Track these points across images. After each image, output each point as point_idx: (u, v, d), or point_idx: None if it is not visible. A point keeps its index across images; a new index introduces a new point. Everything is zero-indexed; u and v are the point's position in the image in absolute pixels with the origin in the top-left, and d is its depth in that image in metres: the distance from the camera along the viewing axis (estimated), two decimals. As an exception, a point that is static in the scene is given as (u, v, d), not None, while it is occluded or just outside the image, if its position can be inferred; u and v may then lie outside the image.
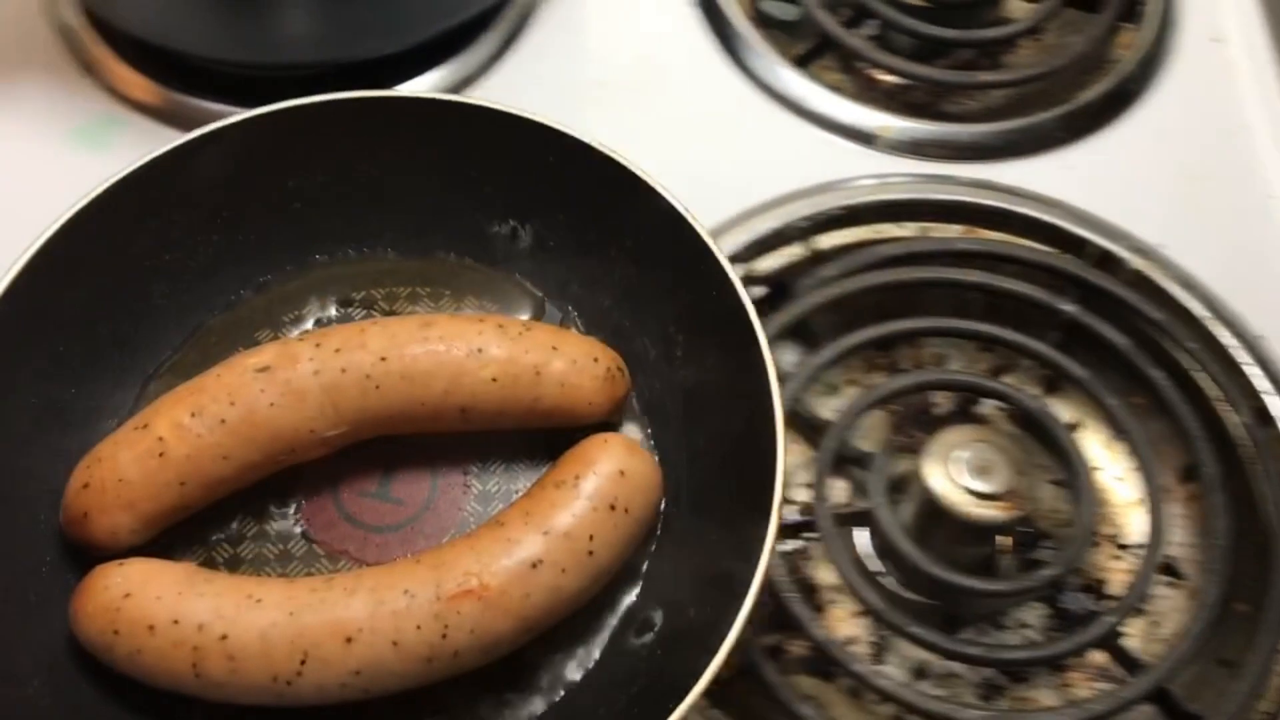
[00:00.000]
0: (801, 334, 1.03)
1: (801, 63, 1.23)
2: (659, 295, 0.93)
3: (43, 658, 0.79)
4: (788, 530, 0.95)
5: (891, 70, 1.22)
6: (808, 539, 0.97)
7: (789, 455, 0.92)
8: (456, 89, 1.16)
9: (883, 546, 0.95)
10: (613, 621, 0.85)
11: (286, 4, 1.03)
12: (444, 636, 0.76)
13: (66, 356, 0.88)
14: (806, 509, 0.96)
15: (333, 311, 0.97)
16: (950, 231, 1.10)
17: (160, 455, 0.81)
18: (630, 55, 1.21)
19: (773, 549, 0.77)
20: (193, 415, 0.82)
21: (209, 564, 0.86)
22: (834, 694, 0.92)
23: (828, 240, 1.09)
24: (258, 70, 1.11)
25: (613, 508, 0.81)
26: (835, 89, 1.20)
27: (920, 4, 1.24)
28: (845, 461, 0.98)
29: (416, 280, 0.99)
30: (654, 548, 0.87)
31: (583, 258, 0.97)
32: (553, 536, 0.79)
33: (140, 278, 0.92)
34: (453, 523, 0.89)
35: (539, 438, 0.91)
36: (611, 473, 0.82)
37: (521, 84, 1.18)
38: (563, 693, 0.83)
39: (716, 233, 1.07)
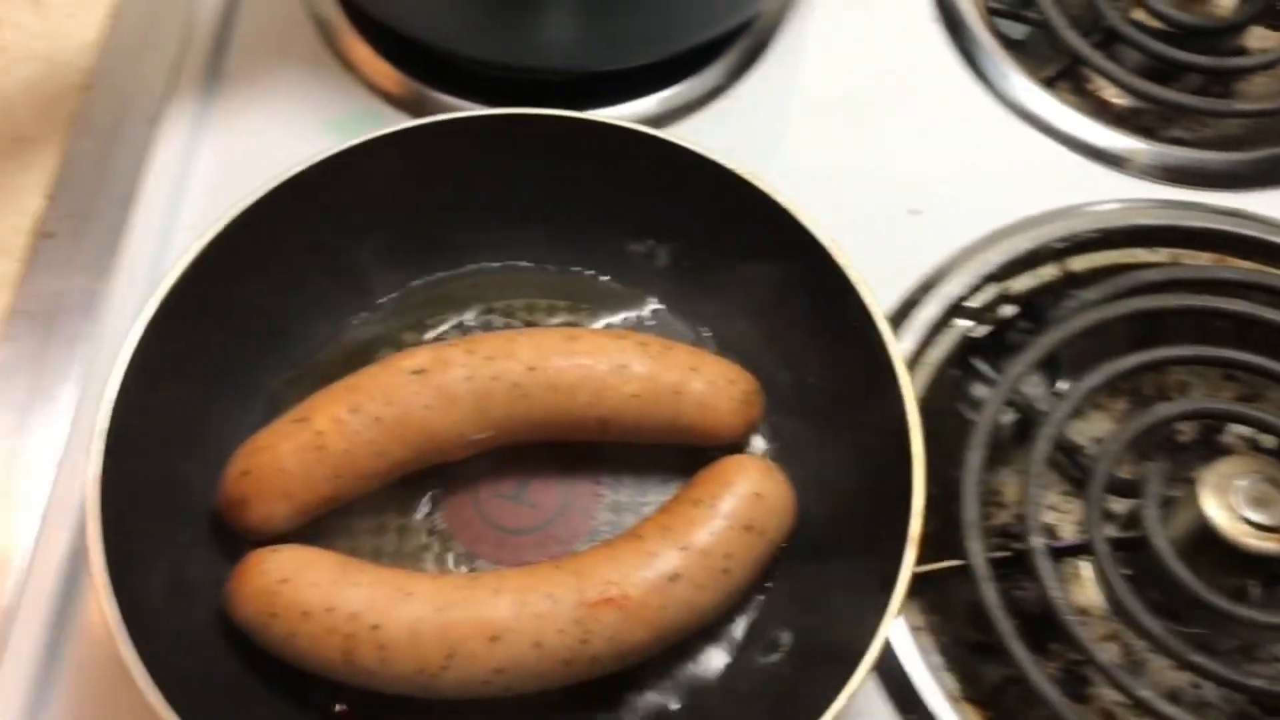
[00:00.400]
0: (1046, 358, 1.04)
1: (1050, 83, 1.23)
2: (796, 322, 0.95)
3: (195, 633, 0.83)
4: (1062, 553, 0.95)
5: (1144, 95, 1.21)
6: (1065, 563, 0.97)
7: (1041, 478, 0.96)
8: (700, 102, 1.18)
9: (1143, 573, 0.94)
10: (738, 636, 0.88)
11: (550, 9, 1.05)
12: (584, 642, 0.79)
13: (227, 342, 0.92)
14: (1052, 532, 0.97)
15: (474, 318, 1.01)
16: (1200, 259, 1.11)
17: (319, 449, 0.85)
18: (874, 70, 1.23)
19: (908, 585, 0.79)
20: (351, 412, 0.86)
21: (353, 553, 0.89)
22: (1088, 716, 0.92)
23: (1080, 263, 1.10)
24: (513, 72, 1.13)
25: (748, 529, 0.84)
26: (1074, 110, 1.20)
27: (1162, 27, 1.24)
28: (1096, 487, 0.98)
29: (555, 294, 1.02)
30: (781, 568, 0.89)
31: (719, 280, 0.99)
32: (691, 553, 0.82)
33: (300, 272, 0.96)
34: (584, 530, 0.92)
35: (670, 452, 0.93)
36: (748, 494, 0.85)
37: (764, 98, 1.20)
38: (688, 700, 0.86)
39: (971, 251, 1.09)
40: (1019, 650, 0.87)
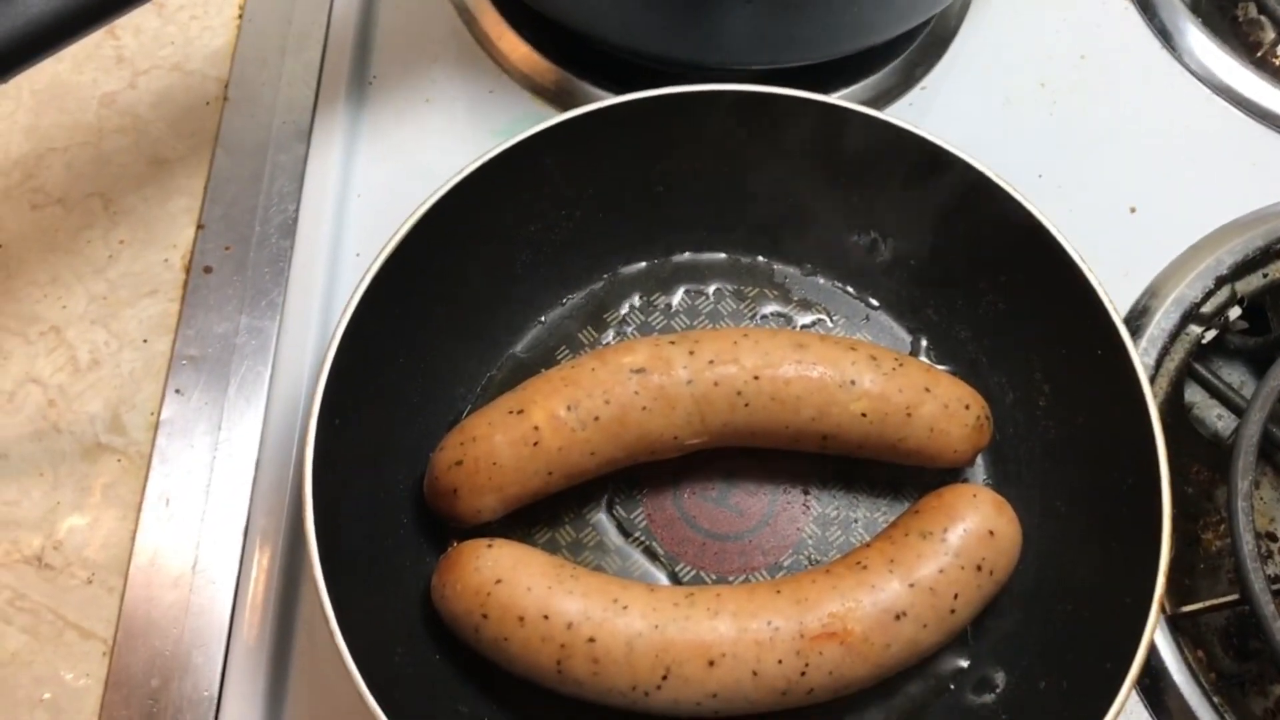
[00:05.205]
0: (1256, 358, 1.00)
1: (1261, 63, 1.15)
2: (1029, 338, 0.90)
3: (402, 625, 0.82)
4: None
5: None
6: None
7: (1263, 490, 0.93)
8: (887, 97, 1.11)
9: None
10: (945, 671, 0.84)
11: (735, 7, 0.97)
12: (803, 674, 0.77)
13: (435, 322, 0.89)
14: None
15: (678, 299, 0.97)
16: None
17: (534, 445, 0.82)
18: (1068, 54, 1.15)
19: (1150, 642, 0.75)
20: (569, 409, 0.82)
21: (553, 546, 0.88)
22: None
23: None
24: (681, 66, 1.04)
25: (979, 568, 0.80)
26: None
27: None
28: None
29: (763, 282, 0.98)
30: (997, 602, 0.85)
31: (946, 284, 0.94)
32: (918, 590, 0.78)
33: (507, 246, 0.92)
34: (790, 542, 0.89)
35: (882, 467, 0.90)
36: (981, 532, 0.80)
37: (956, 89, 1.13)
38: (890, 731, 0.84)
39: (1198, 250, 1.03)
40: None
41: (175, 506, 0.90)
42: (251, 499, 0.90)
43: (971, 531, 0.80)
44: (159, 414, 0.93)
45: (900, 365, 0.85)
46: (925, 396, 0.84)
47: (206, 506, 0.90)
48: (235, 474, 0.91)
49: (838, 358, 0.84)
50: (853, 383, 0.84)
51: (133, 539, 0.89)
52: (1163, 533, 0.77)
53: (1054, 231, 0.87)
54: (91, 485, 0.91)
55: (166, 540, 0.89)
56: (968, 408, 0.85)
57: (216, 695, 0.84)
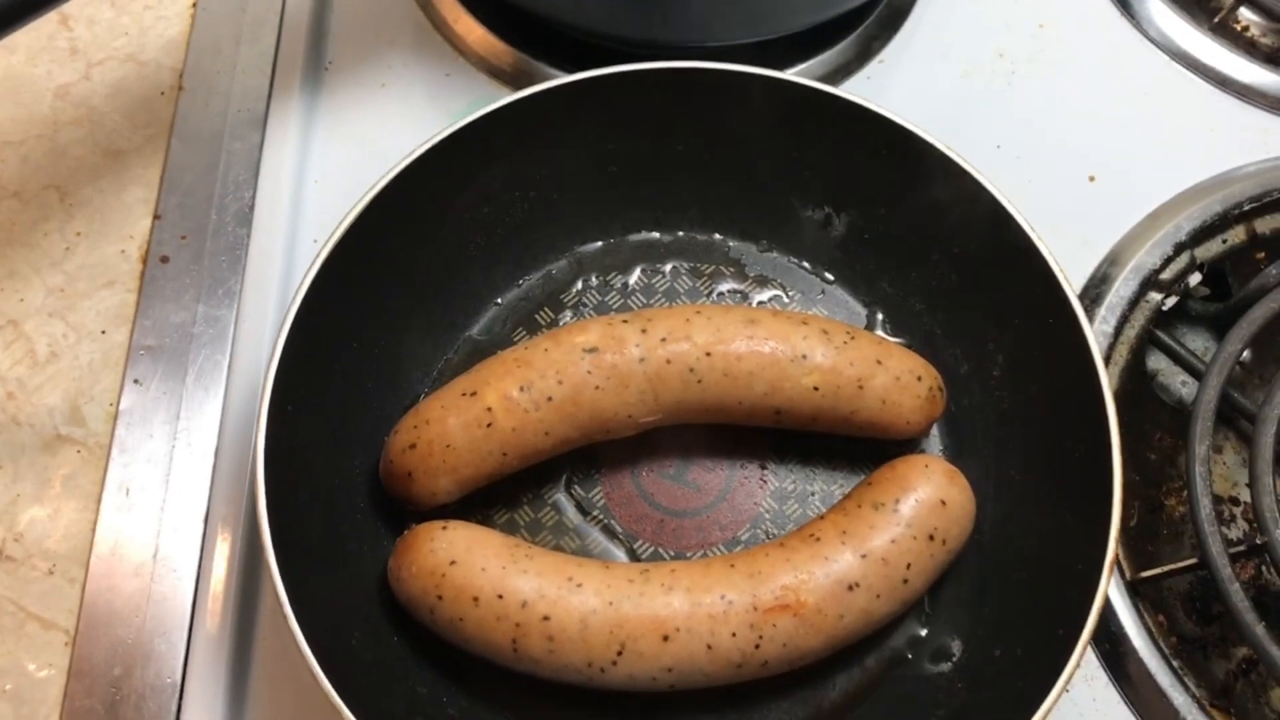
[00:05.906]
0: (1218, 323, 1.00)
1: (1219, 28, 1.14)
2: (982, 310, 0.90)
3: (360, 608, 0.82)
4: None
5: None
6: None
7: (1226, 455, 0.93)
8: (844, 71, 1.10)
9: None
10: (902, 640, 0.85)
11: None
12: (757, 647, 0.77)
13: (389, 306, 0.89)
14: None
15: (635, 278, 0.97)
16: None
17: (488, 426, 0.82)
18: (1026, 24, 1.15)
19: (1101, 608, 0.75)
20: (521, 390, 0.83)
21: (512, 526, 0.88)
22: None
23: (1267, 224, 1.03)
24: (634, 46, 1.03)
25: (931, 538, 0.80)
26: (1244, 56, 1.12)
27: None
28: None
29: (719, 259, 0.98)
30: (952, 571, 0.85)
31: (899, 256, 0.94)
32: (870, 561, 0.79)
33: (461, 228, 0.92)
34: (748, 516, 0.89)
35: (839, 440, 0.90)
36: (932, 501, 0.81)
37: (915, 61, 1.12)
38: (846, 702, 0.84)
39: (1156, 218, 1.03)
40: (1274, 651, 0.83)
41: (135, 496, 0.90)
42: (211, 487, 0.90)
43: (923, 501, 0.80)
44: (118, 404, 0.93)
45: (852, 339, 0.85)
46: (877, 369, 0.84)
47: (166, 496, 0.90)
48: (195, 463, 0.91)
49: (789, 332, 0.85)
50: (804, 357, 0.84)
51: (93, 529, 0.89)
52: (1114, 498, 0.78)
53: (1005, 203, 0.87)
54: (51, 477, 0.91)
55: (127, 530, 0.89)
56: (919, 379, 0.85)
57: (179, 682, 0.84)
